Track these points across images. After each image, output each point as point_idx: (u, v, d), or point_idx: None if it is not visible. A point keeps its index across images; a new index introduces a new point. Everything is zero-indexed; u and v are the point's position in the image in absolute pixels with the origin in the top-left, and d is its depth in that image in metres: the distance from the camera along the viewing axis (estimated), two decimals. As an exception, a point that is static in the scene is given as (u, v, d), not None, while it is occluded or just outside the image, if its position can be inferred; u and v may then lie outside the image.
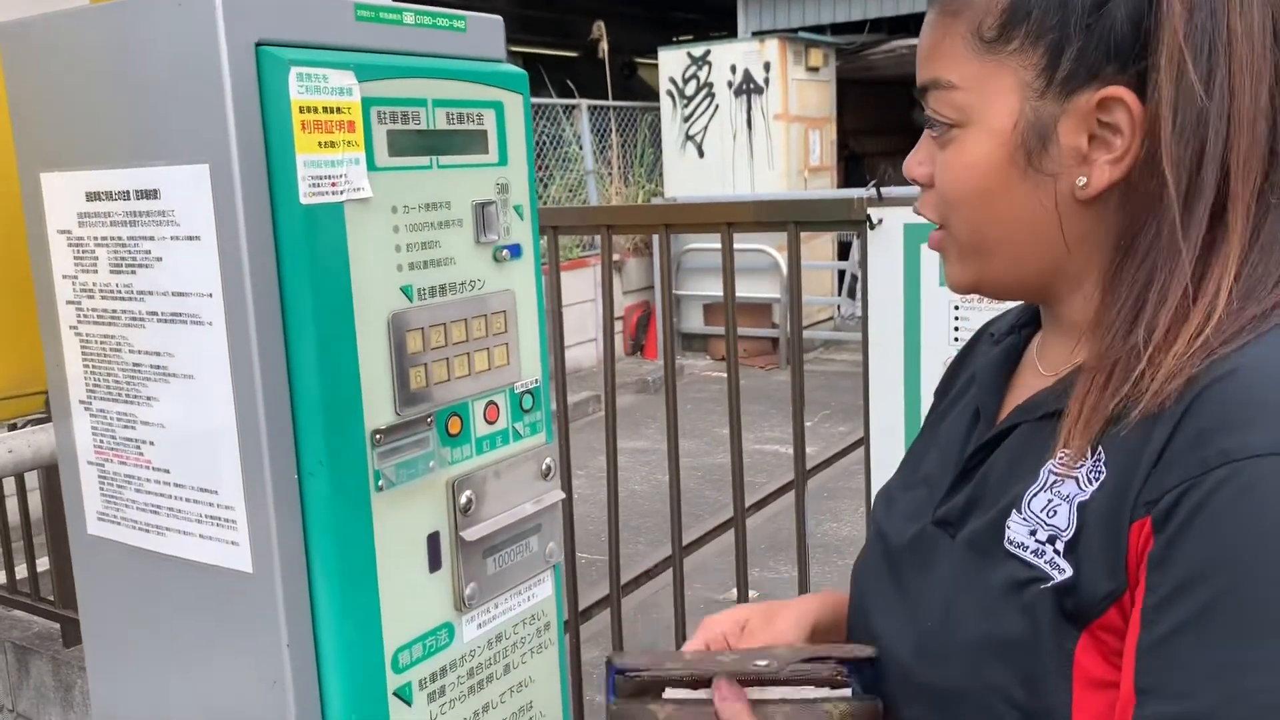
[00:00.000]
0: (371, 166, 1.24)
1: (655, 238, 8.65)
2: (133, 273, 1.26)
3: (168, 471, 1.29)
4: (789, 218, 2.00)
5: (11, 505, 3.20)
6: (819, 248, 9.21)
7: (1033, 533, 0.78)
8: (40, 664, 3.03)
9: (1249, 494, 0.65)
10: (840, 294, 9.34)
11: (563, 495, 1.55)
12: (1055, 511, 0.76)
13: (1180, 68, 0.73)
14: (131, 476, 1.33)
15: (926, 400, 1.39)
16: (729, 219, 2.03)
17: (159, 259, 1.23)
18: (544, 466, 1.52)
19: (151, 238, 1.23)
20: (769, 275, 8.22)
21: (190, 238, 1.19)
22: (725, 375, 2.14)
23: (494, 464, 1.44)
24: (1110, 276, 0.79)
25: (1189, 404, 0.70)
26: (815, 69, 9.43)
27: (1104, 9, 0.74)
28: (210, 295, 1.19)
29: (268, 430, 1.20)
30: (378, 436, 1.27)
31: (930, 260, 1.89)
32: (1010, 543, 0.79)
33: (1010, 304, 1.00)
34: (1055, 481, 0.77)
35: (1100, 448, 0.75)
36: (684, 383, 8.08)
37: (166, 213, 1.21)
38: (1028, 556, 0.77)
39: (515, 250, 1.45)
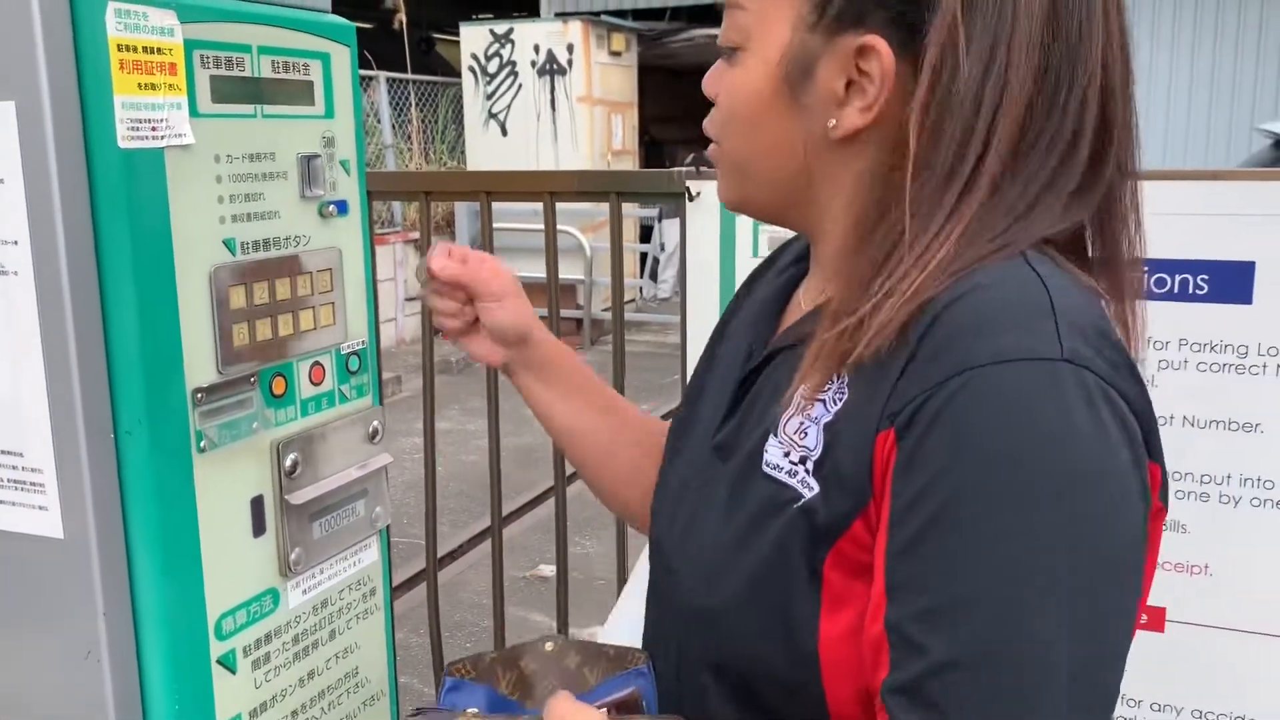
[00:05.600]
0: (194, 113, 1.19)
1: (458, 216, 8.57)
2: (-79, 218, 1.16)
3: (-37, 434, 1.20)
4: (611, 188, 2.02)
5: None
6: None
7: (786, 454, 0.80)
8: None
9: (981, 398, 0.69)
10: (643, 276, 9.48)
11: (390, 459, 1.52)
12: (806, 433, 0.79)
13: (954, 40, 0.73)
14: (-81, 440, 1.22)
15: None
16: (552, 188, 2.04)
17: (-47, 203, 1.14)
18: (370, 429, 1.49)
19: (-55, 180, 1.13)
20: (573, 257, 8.26)
21: (-8, 180, 1.11)
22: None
23: (320, 426, 1.40)
24: (863, 229, 0.80)
25: (927, 326, 0.72)
26: (618, 53, 9.52)
27: None
28: (16, 243, 1.11)
29: (81, 387, 1.13)
30: (199, 395, 1.22)
31: (744, 231, 1.96)
32: (767, 465, 0.82)
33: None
34: (806, 405, 0.80)
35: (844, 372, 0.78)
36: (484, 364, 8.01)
37: (-37, 153, 1.12)
38: (782, 477, 0.80)
39: (342, 206, 1.42)
